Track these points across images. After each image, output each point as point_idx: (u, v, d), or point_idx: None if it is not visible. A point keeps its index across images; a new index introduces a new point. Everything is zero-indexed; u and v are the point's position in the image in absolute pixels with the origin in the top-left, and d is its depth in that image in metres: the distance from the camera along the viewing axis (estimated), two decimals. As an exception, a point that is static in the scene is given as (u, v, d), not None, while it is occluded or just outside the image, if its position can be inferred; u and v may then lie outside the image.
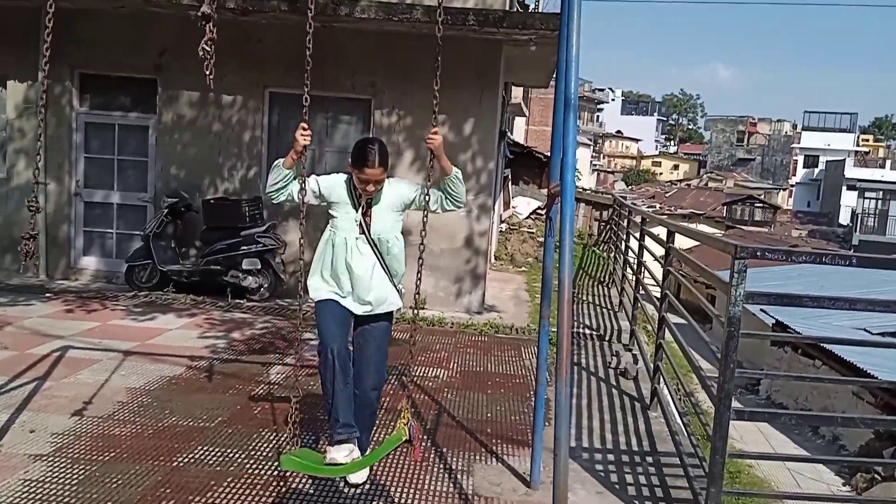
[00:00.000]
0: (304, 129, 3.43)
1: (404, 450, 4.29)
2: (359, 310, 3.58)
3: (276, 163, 3.58)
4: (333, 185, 3.61)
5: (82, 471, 3.78)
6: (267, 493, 3.66)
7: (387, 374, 3.76)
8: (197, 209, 8.52)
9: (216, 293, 8.28)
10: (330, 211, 3.64)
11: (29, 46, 8.56)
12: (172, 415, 4.67)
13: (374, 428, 3.84)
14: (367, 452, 3.55)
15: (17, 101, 8.82)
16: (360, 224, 3.56)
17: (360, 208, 3.54)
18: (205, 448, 4.18)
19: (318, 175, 3.67)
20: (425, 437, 4.56)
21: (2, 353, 5.60)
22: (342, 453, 3.38)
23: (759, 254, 3.38)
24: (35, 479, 3.65)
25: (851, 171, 52.88)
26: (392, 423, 4.52)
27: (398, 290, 3.68)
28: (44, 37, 3.36)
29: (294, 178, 3.57)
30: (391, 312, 3.68)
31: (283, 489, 3.73)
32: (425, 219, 3.51)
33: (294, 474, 3.88)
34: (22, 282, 8.55)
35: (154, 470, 3.85)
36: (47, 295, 7.96)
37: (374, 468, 3.92)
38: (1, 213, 8.92)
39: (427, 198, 3.51)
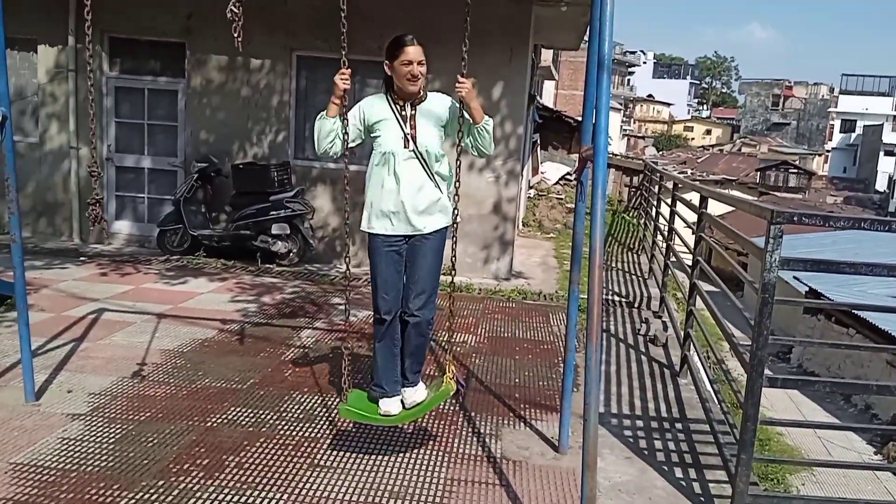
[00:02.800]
0: (343, 73, 3.38)
1: (433, 411, 4.33)
2: (409, 229, 3.55)
3: (318, 116, 3.54)
4: (373, 103, 3.60)
5: (119, 430, 3.86)
6: (298, 454, 3.71)
7: (436, 300, 3.75)
8: (226, 174, 8.57)
9: (246, 258, 8.36)
10: (373, 134, 3.59)
11: (59, 10, 8.60)
12: (205, 376, 4.75)
13: (424, 365, 3.87)
14: (419, 401, 3.69)
15: (49, 66, 8.89)
16: (406, 137, 3.52)
17: (405, 120, 3.53)
18: (237, 409, 4.24)
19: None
20: (454, 402, 4.58)
21: (39, 315, 5.72)
22: (395, 406, 3.64)
23: (795, 219, 3.29)
24: (73, 438, 3.74)
25: (889, 137, 51.55)
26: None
27: (449, 204, 3.64)
28: (84, 0, 3.35)
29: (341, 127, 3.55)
30: (443, 231, 3.65)
31: (315, 451, 3.78)
32: (457, 184, 3.58)
33: (324, 437, 3.94)
34: (57, 245, 8.71)
35: (188, 430, 3.92)
36: (82, 258, 8.09)
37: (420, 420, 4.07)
38: (35, 178, 9.05)
39: (460, 134, 3.52)
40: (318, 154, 3.61)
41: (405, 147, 3.51)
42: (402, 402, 3.71)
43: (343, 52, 3.31)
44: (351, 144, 3.56)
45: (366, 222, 3.61)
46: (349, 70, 3.40)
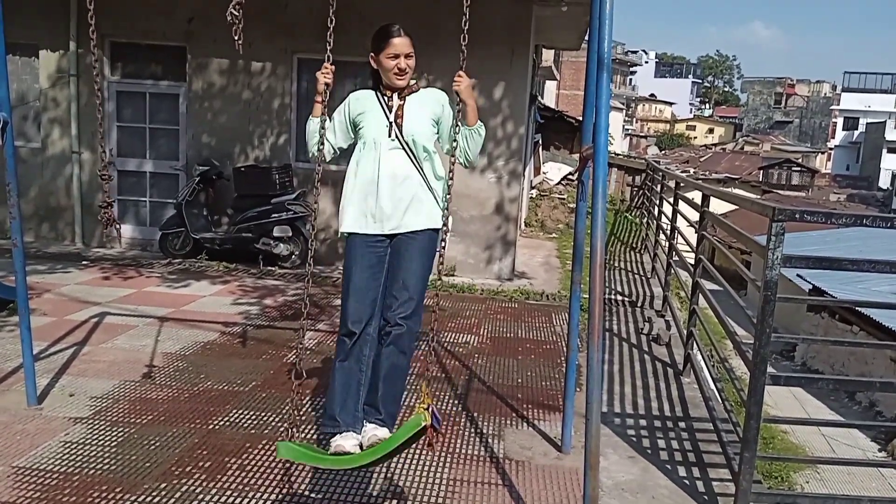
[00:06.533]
0: (326, 67, 3.07)
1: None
2: (391, 227, 3.09)
3: (308, 122, 3.24)
4: (358, 96, 3.25)
5: (121, 433, 3.86)
6: (300, 456, 3.70)
7: (422, 312, 3.10)
8: (228, 177, 8.58)
9: (248, 260, 8.36)
10: (358, 128, 3.20)
11: (60, 15, 8.62)
12: (207, 379, 4.75)
13: (404, 395, 3.31)
14: (382, 438, 2.86)
15: (51, 71, 8.91)
16: (390, 124, 3.11)
17: (391, 109, 3.14)
18: (239, 412, 4.24)
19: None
20: (456, 402, 4.58)
21: (41, 319, 5.73)
22: (350, 441, 2.91)
23: (797, 216, 3.28)
24: (75, 442, 3.74)
25: (892, 134, 51.46)
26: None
27: (441, 208, 3.11)
28: (86, 5, 3.35)
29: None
30: (433, 232, 3.12)
31: (316, 452, 3.76)
32: (449, 183, 3.00)
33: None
34: (59, 250, 8.72)
35: (190, 432, 3.92)
36: (84, 262, 8.10)
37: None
38: (37, 183, 9.07)
39: (456, 129, 3.03)
40: (310, 157, 3.26)
41: (389, 136, 3.09)
42: (360, 442, 2.94)
43: (328, 47, 3.03)
44: (342, 144, 3.29)
45: (341, 222, 3.21)
46: (332, 66, 3.09)
